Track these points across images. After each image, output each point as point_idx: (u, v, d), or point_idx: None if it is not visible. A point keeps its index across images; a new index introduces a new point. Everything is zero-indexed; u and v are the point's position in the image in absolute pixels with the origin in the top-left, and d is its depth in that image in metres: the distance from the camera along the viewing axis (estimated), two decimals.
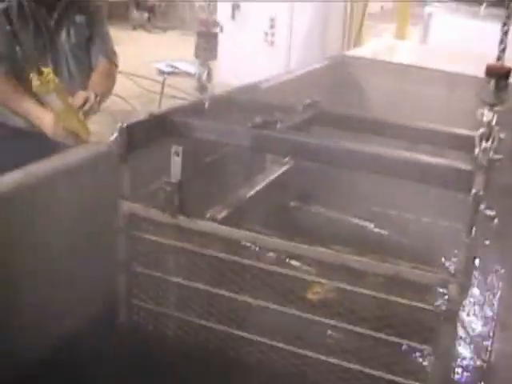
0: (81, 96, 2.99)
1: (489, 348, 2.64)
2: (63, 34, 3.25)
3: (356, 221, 3.10)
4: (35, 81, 2.70)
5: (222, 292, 2.37)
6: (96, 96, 3.10)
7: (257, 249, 2.31)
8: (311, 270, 2.27)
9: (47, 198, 2.35)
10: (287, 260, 2.30)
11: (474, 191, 1.99)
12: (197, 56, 2.81)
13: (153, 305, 2.51)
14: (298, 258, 2.27)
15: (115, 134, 2.36)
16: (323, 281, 2.26)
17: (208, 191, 2.79)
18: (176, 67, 7.98)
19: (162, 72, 8.05)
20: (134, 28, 14.30)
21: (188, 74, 7.64)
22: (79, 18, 3.28)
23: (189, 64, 7.69)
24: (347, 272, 2.17)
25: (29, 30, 3.13)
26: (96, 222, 2.50)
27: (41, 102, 2.92)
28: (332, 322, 2.25)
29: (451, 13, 8.13)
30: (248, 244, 2.31)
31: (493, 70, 2.35)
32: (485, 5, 7.62)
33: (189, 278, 2.42)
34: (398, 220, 3.16)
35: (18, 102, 3.09)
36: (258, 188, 2.94)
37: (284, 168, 3.19)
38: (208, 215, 2.54)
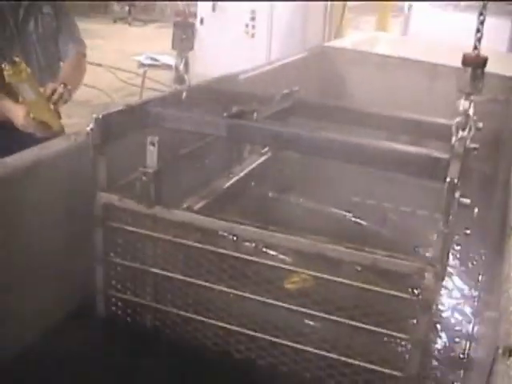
0: (49, 87, 2.99)
1: (468, 337, 2.65)
2: (31, 25, 3.24)
3: (335, 211, 3.10)
4: (8, 70, 2.71)
5: (200, 282, 2.37)
6: (65, 86, 3.09)
7: (234, 238, 2.31)
8: (288, 259, 2.27)
9: (25, 189, 2.33)
10: (264, 250, 2.30)
11: (448, 179, 1.99)
12: (174, 47, 2.80)
13: (130, 296, 2.51)
14: (274, 247, 2.27)
15: (91, 125, 2.34)
16: (300, 270, 2.26)
17: (186, 181, 2.79)
18: (156, 60, 7.98)
19: (142, 65, 8.04)
20: (115, 21, 14.29)
21: (168, 67, 7.64)
22: (46, 9, 3.28)
23: (169, 56, 7.68)
24: (324, 261, 2.18)
25: None
26: (75, 213, 2.49)
27: (12, 94, 2.91)
28: (309, 312, 2.25)
29: (432, 5, 8.17)
30: (225, 234, 2.31)
31: (469, 59, 2.36)
32: None
33: (166, 269, 2.42)
34: (377, 210, 3.16)
35: None
36: (235, 178, 2.94)
37: (262, 158, 3.19)
38: (185, 205, 2.54)
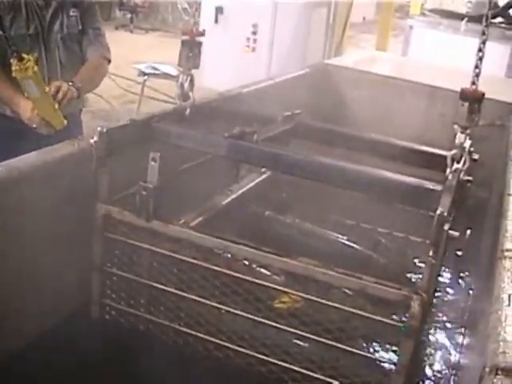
0: (53, 85, 3.03)
1: (456, 359, 2.70)
2: (57, 25, 3.31)
3: (329, 233, 3.14)
4: (14, 65, 2.75)
5: (192, 296, 2.42)
6: (74, 84, 3.14)
7: (228, 256, 2.37)
8: (280, 279, 2.32)
9: (27, 192, 2.38)
10: (257, 269, 2.35)
11: (438, 212, 2.04)
12: (180, 64, 2.85)
13: (125, 305, 2.56)
14: (267, 267, 2.32)
15: (95, 138, 2.40)
16: (290, 291, 2.31)
17: (184, 197, 2.84)
18: (156, 69, 7.98)
19: (142, 73, 8.06)
20: (116, 28, 14.27)
21: (168, 76, 7.67)
22: (73, 12, 3.35)
23: (169, 66, 7.72)
24: (314, 284, 2.23)
25: (21, 18, 3.18)
26: (74, 218, 2.53)
27: (21, 89, 2.96)
28: (297, 332, 2.30)
29: (432, 27, 8.21)
30: (219, 251, 2.36)
31: (467, 93, 2.42)
32: (465, 20, 7.70)
33: (161, 282, 2.47)
34: (370, 234, 3.21)
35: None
36: (233, 196, 2.99)
37: (260, 178, 3.24)
38: (182, 221, 2.59)
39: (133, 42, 12.68)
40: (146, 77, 7.95)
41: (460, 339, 2.85)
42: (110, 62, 3.55)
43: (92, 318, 2.60)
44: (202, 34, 2.85)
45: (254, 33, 8.36)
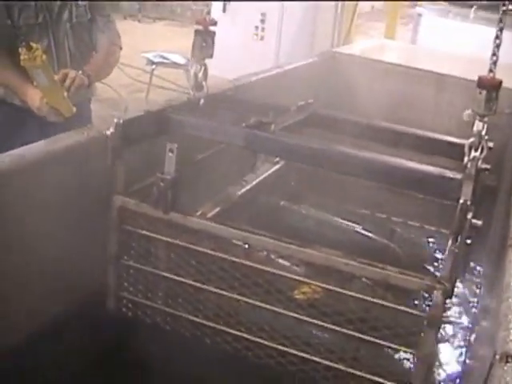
0: (61, 72, 3.03)
1: (469, 350, 2.69)
2: (65, 15, 3.30)
3: (344, 223, 3.13)
4: (23, 54, 2.76)
5: (211, 288, 2.41)
6: (83, 73, 3.14)
7: (246, 247, 2.35)
8: (299, 270, 2.31)
9: (38, 181, 2.37)
10: (276, 259, 2.34)
11: (461, 201, 2.03)
12: (193, 54, 2.83)
13: (142, 298, 2.55)
14: (287, 258, 2.31)
15: (111, 129, 2.38)
16: (311, 281, 2.30)
17: (200, 188, 2.83)
18: (165, 58, 7.98)
19: (150, 62, 8.05)
20: (124, 18, 14.26)
21: (176, 65, 7.66)
22: (82, 1, 3.35)
23: (177, 55, 7.70)
24: (335, 274, 2.22)
25: (29, 7, 3.17)
26: (83, 207, 2.52)
27: (30, 78, 2.96)
28: (318, 322, 2.29)
29: (441, 14, 8.18)
30: (238, 242, 2.35)
31: (484, 81, 2.41)
32: (475, 8, 7.67)
33: (178, 274, 2.46)
34: (385, 223, 3.20)
35: (7, 78, 3.17)
36: (248, 186, 2.97)
37: (276, 167, 3.22)
38: (199, 212, 2.58)
39: (141, 31, 12.66)
40: (154, 66, 7.95)
41: (470, 327, 2.85)
42: (121, 48, 3.55)
43: (108, 311, 2.59)
44: (215, 23, 2.82)
45: (263, 21, 8.36)
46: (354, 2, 8.82)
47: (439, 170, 2.30)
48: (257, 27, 8.50)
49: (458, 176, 2.23)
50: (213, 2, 8.04)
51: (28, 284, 2.36)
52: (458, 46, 6.39)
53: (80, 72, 3.12)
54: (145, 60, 8.20)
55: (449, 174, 2.27)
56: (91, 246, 2.48)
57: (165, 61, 8.02)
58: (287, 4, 8.30)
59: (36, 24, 3.21)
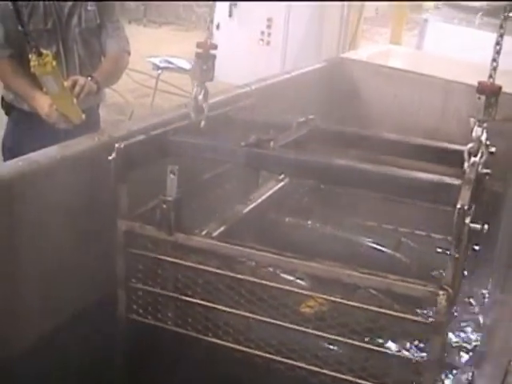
0: (70, 79, 3.05)
1: (476, 355, 2.69)
2: (74, 20, 3.33)
3: (351, 236, 3.14)
4: (33, 61, 2.76)
5: (219, 307, 2.43)
6: (92, 78, 3.16)
7: (252, 264, 2.37)
8: (305, 284, 2.32)
9: (47, 186, 2.43)
10: (282, 275, 2.36)
11: (459, 205, 2.04)
12: (194, 77, 2.86)
13: (152, 320, 2.57)
14: (291, 272, 2.33)
15: (113, 154, 2.41)
16: (316, 295, 2.31)
17: (205, 208, 2.86)
18: (170, 62, 7.96)
19: (156, 67, 8.06)
20: (129, 22, 14.21)
21: (182, 70, 7.67)
22: (90, 6, 3.37)
23: (183, 60, 7.72)
24: (339, 286, 2.23)
25: (38, 13, 3.21)
26: (94, 212, 2.59)
27: (39, 84, 2.98)
28: (325, 335, 2.30)
29: (447, 20, 8.19)
30: (243, 259, 2.37)
31: (484, 87, 2.42)
32: (480, 14, 7.68)
33: (186, 294, 2.48)
34: (393, 234, 3.19)
35: (17, 84, 3.21)
36: (253, 204, 2.99)
37: (280, 184, 3.24)
38: (205, 231, 2.60)
39: (146, 35, 12.65)
40: (160, 71, 7.95)
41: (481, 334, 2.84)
42: (129, 54, 3.57)
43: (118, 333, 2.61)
44: (216, 47, 2.85)
45: (269, 26, 8.37)
46: (360, 5, 8.81)
47: (438, 177, 2.32)
48: (263, 32, 8.53)
49: (457, 182, 2.25)
50: (218, 6, 8.09)
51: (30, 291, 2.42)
52: (464, 52, 6.41)
53: (89, 78, 3.15)
54: (150, 65, 8.20)
55: (447, 180, 2.29)
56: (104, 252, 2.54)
57: (170, 66, 7.98)
58: (293, 9, 8.34)
59: (45, 29, 3.24)
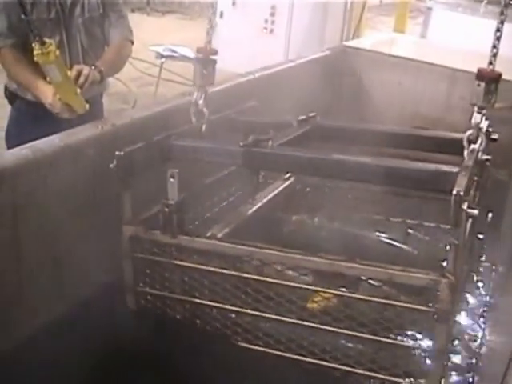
0: (75, 69, 3.06)
1: (481, 344, 2.68)
2: (78, 9, 3.36)
3: (359, 231, 3.14)
4: (36, 50, 2.78)
5: (227, 306, 2.45)
6: (96, 67, 3.18)
7: (257, 262, 2.39)
8: (309, 279, 2.33)
9: (51, 174, 2.45)
10: (287, 272, 2.37)
11: (454, 192, 2.04)
12: (195, 82, 2.88)
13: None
14: (294, 268, 2.34)
15: (114, 162, 2.44)
16: (320, 289, 2.32)
17: (209, 210, 2.88)
18: (174, 51, 7.97)
19: (159, 55, 8.07)
20: (133, 11, 14.19)
21: (186, 58, 7.67)
22: None
23: (187, 48, 7.73)
24: (342, 279, 2.24)
25: (41, 2, 3.24)
26: (97, 200, 2.63)
27: (42, 74, 3.00)
28: (333, 329, 2.31)
29: (451, 8, 8.16)
30: (246, 259, 2.38)
31: (483, 74, 2.43)
32: (485, 2, 7.65)
33: (194, 295, 2.50)
34: (400, 227, 3.19)
35: (20, 74, 3.24)
36: (258, 205, 3.00)
37: (283, 184, 3.26)
38: (209, 233, 2.62)
39: (150, 24, 12.67)
40: (163, 59, 7.98)
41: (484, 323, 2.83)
42: (133, 43, 3.59)
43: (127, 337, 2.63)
44: (216, 52, 2.87)
45: (272, 14, 8.36)
46: None
47: (436, 165, 2.33)
48: (266, 20, 8.51)
49: (454, 169, 2.25)
50: None
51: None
52: (468, 40, 6.38)
53: (93, 67, 3.16)
54: (153, 53, 8.21)
55: (445, 168, 2.29)
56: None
57: (174, 54, 7.99)
58: None
59: (48, 19, 3.26)
